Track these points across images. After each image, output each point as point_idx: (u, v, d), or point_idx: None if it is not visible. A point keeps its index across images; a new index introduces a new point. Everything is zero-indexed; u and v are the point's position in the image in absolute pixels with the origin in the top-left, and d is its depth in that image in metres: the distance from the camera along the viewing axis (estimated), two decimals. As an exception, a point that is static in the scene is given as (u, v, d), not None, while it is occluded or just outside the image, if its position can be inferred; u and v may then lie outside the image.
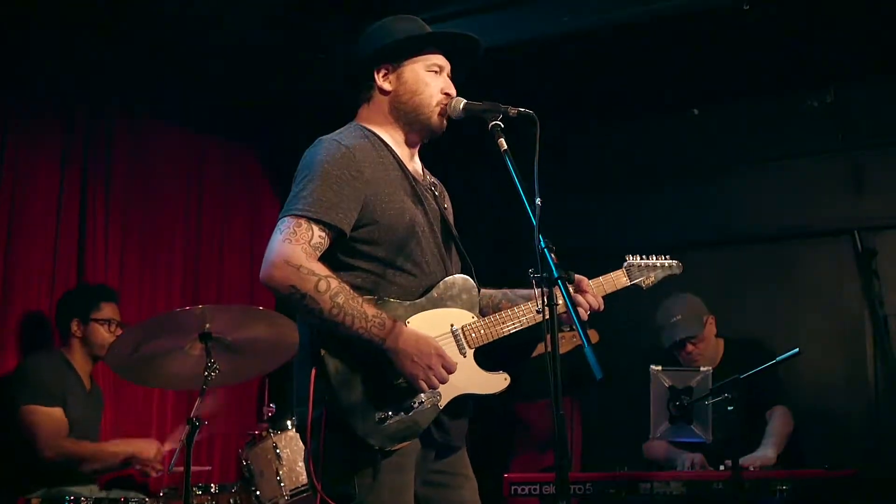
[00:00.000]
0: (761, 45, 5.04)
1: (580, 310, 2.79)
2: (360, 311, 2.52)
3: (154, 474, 4.61)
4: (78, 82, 5.09)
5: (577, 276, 2.82)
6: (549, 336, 2.33)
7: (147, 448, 4.48)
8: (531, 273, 2.38)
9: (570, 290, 2.43)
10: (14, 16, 4.61)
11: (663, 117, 5.87)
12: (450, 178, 3.09)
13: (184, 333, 3.87)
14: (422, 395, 2.59)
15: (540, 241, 2.38)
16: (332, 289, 2.50)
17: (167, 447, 4.54)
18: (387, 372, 2.57)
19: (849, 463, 4.13)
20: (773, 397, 4.68)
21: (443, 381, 2.59)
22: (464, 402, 2.71)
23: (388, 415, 2.54)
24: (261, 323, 4.02)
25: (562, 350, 4.66)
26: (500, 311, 2.81)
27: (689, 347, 4.72)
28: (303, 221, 2.55)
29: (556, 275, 2.35)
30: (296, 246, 2.52)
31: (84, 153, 5.12)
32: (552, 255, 2.37)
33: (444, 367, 2.58)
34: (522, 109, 2.68)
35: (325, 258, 2.59)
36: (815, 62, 5.22)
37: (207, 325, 3.83)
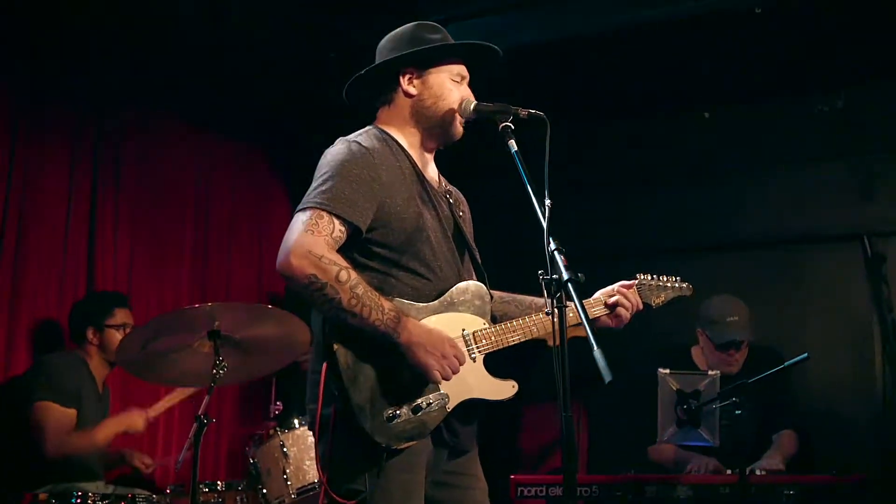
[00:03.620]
0: (772, 49, 5.03)
1: (622, 310, 2.94)
2: (378, 303, 2.54)
3: (146, 470, 4.63)
4: (87, 82, 5.10)
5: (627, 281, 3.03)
6: (557, 338, 2.33)
7: (135, 420, 4.50)
8: (540, 275, 2.39)
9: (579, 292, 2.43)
10: (23, 15, 4.63)
11: (673, 120, 5.86)
12: (459, 180, 3.10)
13: (192, 331, 3.87)
14: (430, 396, 2.61)
15: (550, 242, 2.39)
16: (352, 279, 2.52)
17: (152, 414, 4.56)
18: (397, 369, 2.58)
19: (857, 468, 4.13)
20: (784, 420, 4.73)
21: (455, 371, 2.61)
22: (473, 407, 2.72)
23: (396, 413, 2.55)
24: (269, 321, 4.02)
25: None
26: (511, 319, 2.83)
27: (732, 350, 4.71)
28: (324, 214, 2.57)
29: (565, 277, 2.34)
30: (318, 237, 2.54)
31: (94, 152, 5.14)
32: (562, 258, 2.37)
33: (455, 356, 2.61)
34: (533, 111, 2.70)
35: (342, 256, 2.60)
36: (825, 67, 5.21)
37: (216, 323, 3.83)
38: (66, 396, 4.35)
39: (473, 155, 3.72)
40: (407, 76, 2.85)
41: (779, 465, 4.43)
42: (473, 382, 2.70)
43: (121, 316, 4.62)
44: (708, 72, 5.31)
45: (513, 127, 2.68)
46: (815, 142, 5.51)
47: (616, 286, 3.02)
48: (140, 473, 4.71)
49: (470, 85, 2.91)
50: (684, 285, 3.21)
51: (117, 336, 4.56)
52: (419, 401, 2.60)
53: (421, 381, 2.60)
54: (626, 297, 2.96)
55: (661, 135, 5.89)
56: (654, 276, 3.12)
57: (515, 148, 2.64)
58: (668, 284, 3.16)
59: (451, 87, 2.85)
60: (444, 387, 2.64)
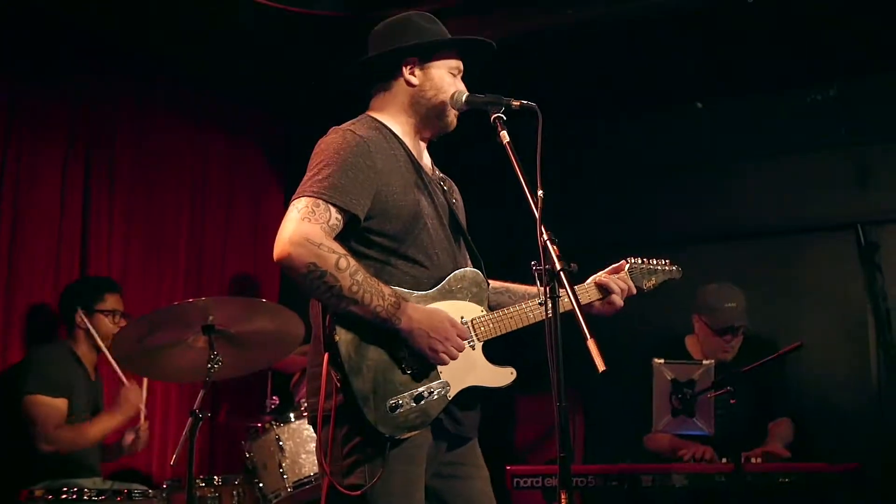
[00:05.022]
0: (765, 39, 5.03)
1: (615, 297, 2.96)
2: (378, 289, 2.55)
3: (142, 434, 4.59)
4: (83, 74, 5.09)
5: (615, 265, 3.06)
6: (551, 328, 2.34)
7: (129, 405, 4.46)
8: (533, 265, 2.40)
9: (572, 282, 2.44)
10: (21, 8, 4.62)
11: (666, 112, 5.86)
12: (450, 169, 3.10)
13: (187, 326, 3.87)
14: (432, 384, 2.62)
15: (542, 233, 2.40)
16: (351, 266, 2.52)
17: (145, 385, 4.54)
18: (399, 358, 2.59)
19: (852, 457, 4.13)
20: (778, 408, 4.74)
21: (460, 350, 2.63)
22: (474, 394, 2.73)
23: (398, 403, 2.56)
24: (264, 315, 4.03)
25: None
26: (505, 307, 2.84)
27: (729, 336, 4.73)
28: (320, 202, 2.57)
29: (558, 267, 2.35)
30: (315, 225, 2.53)
31: (88, 145, 5.13)
32: (554, 248, 2.37)
33: (458, 335, 2.63)
34: (525, 102, 2.69)
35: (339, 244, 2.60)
36: (818, 56, 5.21)
37: (210, 318, 3.83)
38: (54, 386, 4.34)
39: (468, 145, 3.71)
40: (409, 66, 2.85)
41: (782, 450, 4.43)
42: (473, 370, 2.71)
43: (111, 301, 4.61)
44: (701, 62, 5.31)
45: (505, 118, 2.68)
46: (808, 131, 5.52)
47: (605, 271, 3.04)
48: (137, 470, 4.71)
49: (463, 79, 2.91)
50: (674, 268, 3.22)
51: (106, 321, 4.56)
52: (421, 389, 2.60)
53: (422, 369, 2.61)
54: (615, 283, 2.98)
55: (654, 126, 5.89)
56: (644, 259, 3.13)
57: (507, 139, 2.64)
58: (658, 267, 3.17)
59: (450, 80, 2.86)
60: (445, 375, 2.65)
